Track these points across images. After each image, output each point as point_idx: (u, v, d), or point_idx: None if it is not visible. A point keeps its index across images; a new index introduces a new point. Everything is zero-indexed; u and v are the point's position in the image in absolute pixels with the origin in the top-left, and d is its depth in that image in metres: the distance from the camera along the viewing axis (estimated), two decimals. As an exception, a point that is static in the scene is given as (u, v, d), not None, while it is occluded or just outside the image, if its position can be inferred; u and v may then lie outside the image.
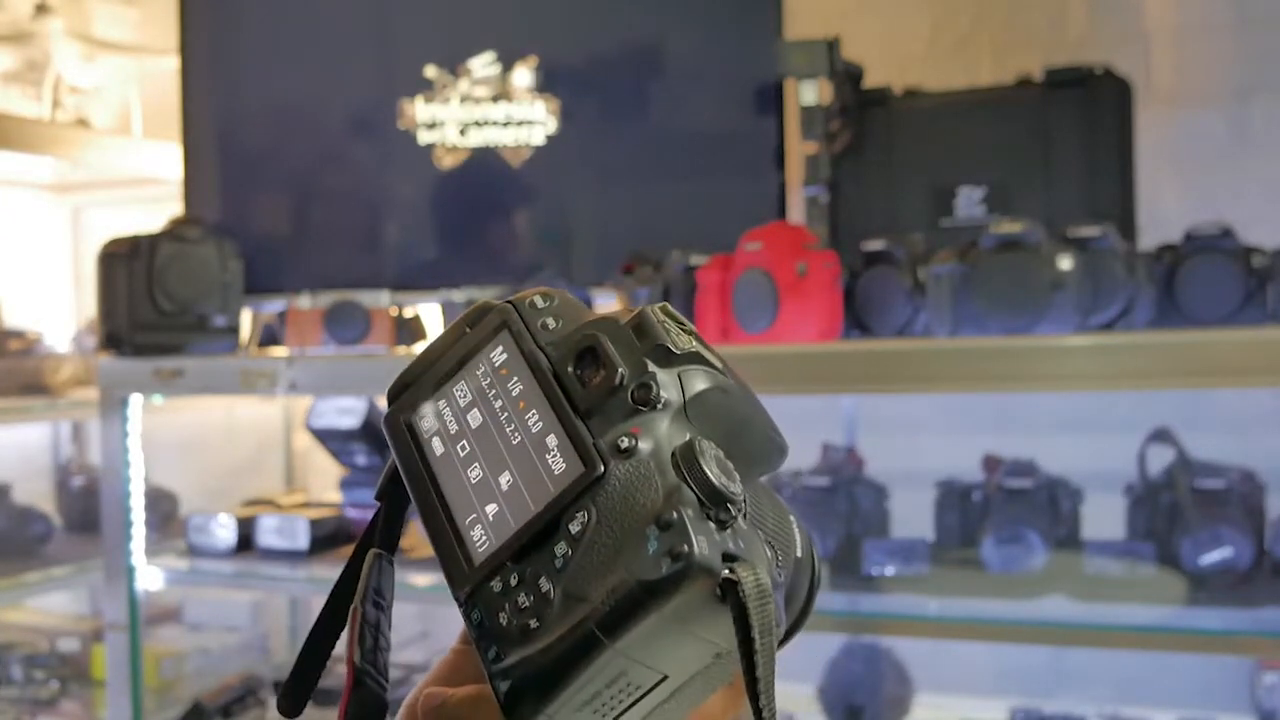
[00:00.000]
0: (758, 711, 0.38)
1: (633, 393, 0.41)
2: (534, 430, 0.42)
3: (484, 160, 2.11)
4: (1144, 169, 1.82)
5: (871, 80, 1.88)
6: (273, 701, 2.37)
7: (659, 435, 0.40)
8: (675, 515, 0.38)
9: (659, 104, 2.09)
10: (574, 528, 0.39)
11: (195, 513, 2.09)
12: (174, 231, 1.93)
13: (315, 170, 2.20)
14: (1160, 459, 1.70)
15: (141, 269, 1.88)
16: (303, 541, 1.99)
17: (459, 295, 1.99)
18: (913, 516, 1.83)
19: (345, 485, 2.15)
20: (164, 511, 2.44)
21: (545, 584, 0.38)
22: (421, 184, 2.13)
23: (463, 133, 2.10)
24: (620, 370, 0.41)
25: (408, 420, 0.45)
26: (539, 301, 0.46)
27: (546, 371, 0.43)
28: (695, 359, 0.43)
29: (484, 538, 0.40)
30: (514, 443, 0.42)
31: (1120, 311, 1.50)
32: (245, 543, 2.03)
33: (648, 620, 0.37)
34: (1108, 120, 1.75)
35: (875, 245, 1.62)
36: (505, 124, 2.10)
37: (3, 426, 2.71)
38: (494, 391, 0.44)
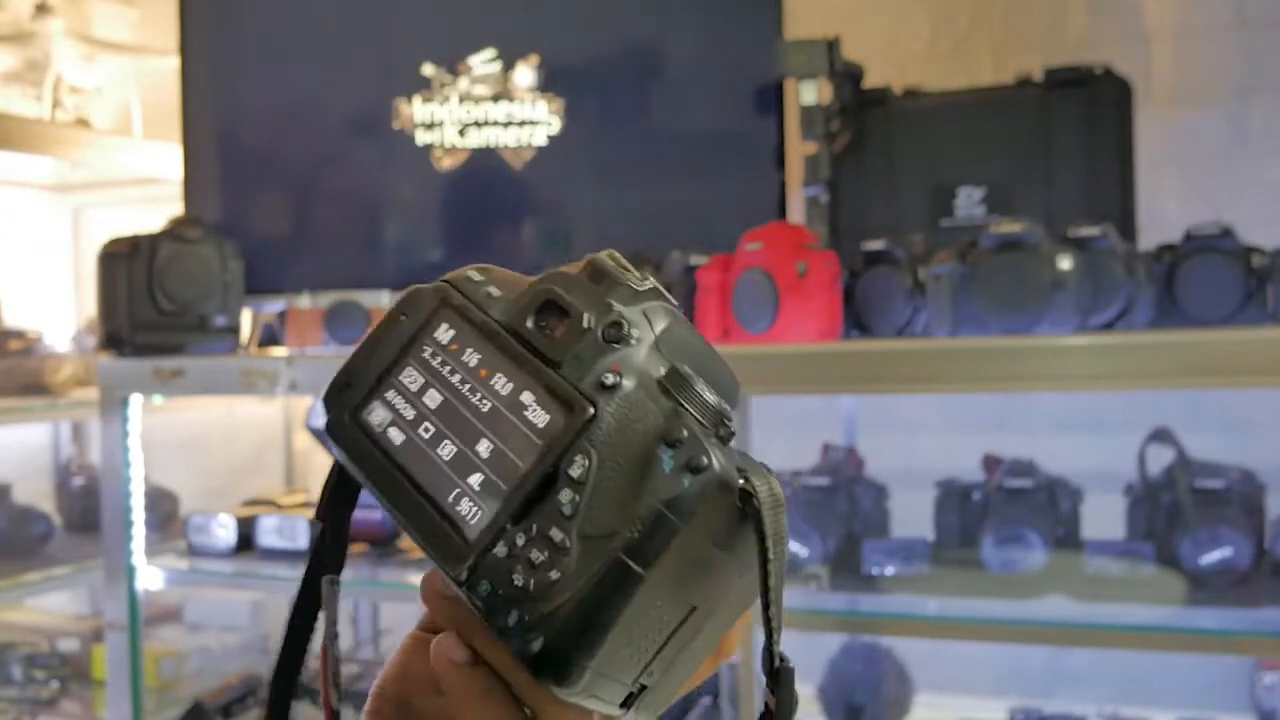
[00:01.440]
0: (767, 620, 0.39)
1: (603, 332, 0.40)
2: (504, 393, 0.41)
3: (484, 160, 2.11)
4: (1144, 169, 1.82)
5: (871, 80, 1.88)
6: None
7: (639, 368, 0.40)
8: (684, 433, 0.38)
9: (659, 104, 2.09)
10: (575, 472, 0.38)
11: (195, 513, 2.09)
12: (174, 231, 1.93)
13: (315, 170, 2.20)
14: (1160, 459, 1.70)
15: (141, 269, 1.88)
16: (303, 541, 1.99)
17: (459, 295, 1.99)
18: (913, 516, 1.83)
19: (345, 485, 2.15)
20: (164, 511, 2.44)
21: (557, 534, 0.38)
22: (421, 184, 2.13)
23: (462, 133, 2.10)
24: (585, 314, 0.41)
25: (356, 419, 0.43)
26: (475, 275, 0.45)
27: (503, 334, 0.42)
28: (655, 294, 0.43)
29: (474, 509, 0.40)
30: (484, 410, 0.41)
31: (1120, 311, 1.50)
32: (245, 543, 2.03)
33: (677, 539, 0.37)
34: (1108, 120, 1.75)
35: (875, 245, 1.62)
36: (505, 124, 2.10)
37: (3, 426, 2.71)
38: (448, 368, 0.43)
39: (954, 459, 1.88)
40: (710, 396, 0.39)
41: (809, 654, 1.92)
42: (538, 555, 0.38)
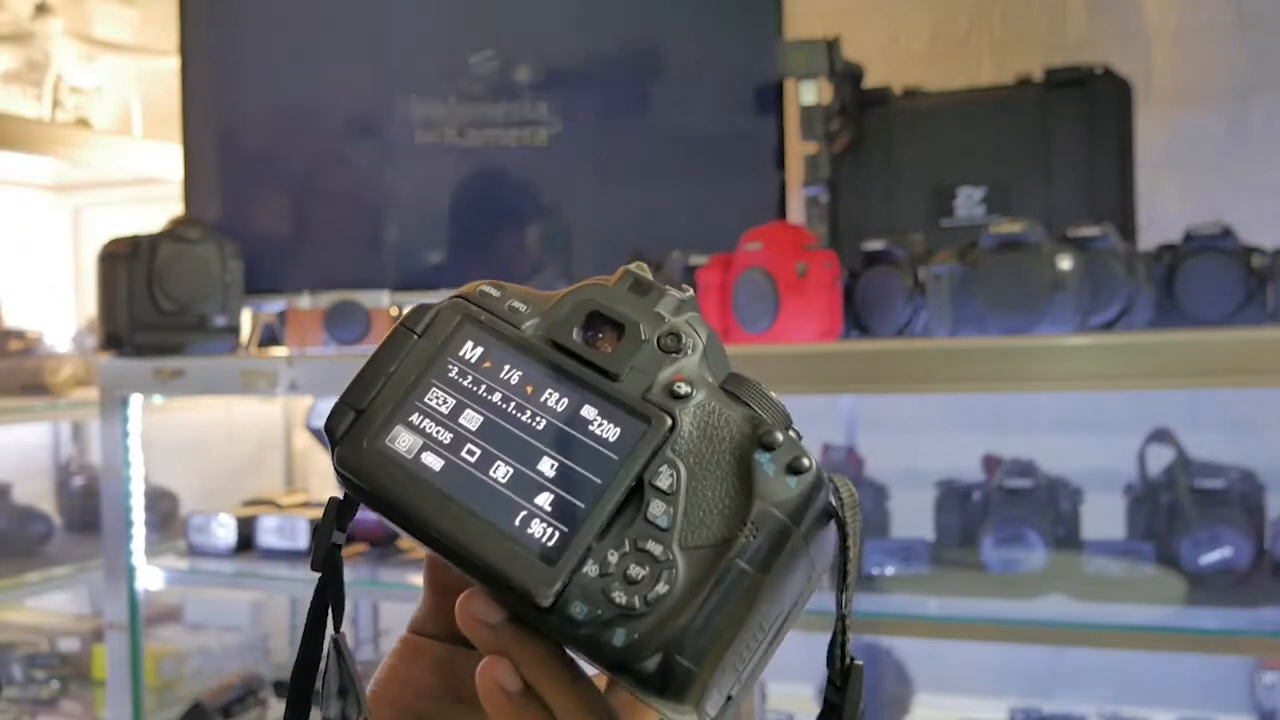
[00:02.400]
0: (841, 618, 0.40)
1: (660, 343, 0.40)
2: (560, 409, 0.40)
3: (484, 160, 2.11)
4: (1144, 169, 1.82)
5: (871, 80, 1.88)
6: (273, 701, 2.37)
7: (701, 377, 0.40)
8: (779, 435, 0.38)
9: (659, 104, 2.09)
10: (663, 483, 0.37)
11: (195, 513, 2.09)
12: (174, 231, 1.93)
13: (315, 170, 2.20)
14: (1160, 459, 1.70)
15: (141, 269, 1.88)
16: (303, 541, 1.99)
17: (459, 295, 1.99)
18: (913, 516, 1.83)
19: (345, 485, 2.15)
20: (164, 511, 2.44)
21: (656, 547, 0.37)
22: (421, 184, 2.13)
23: (462, 133, 2.10)
24: (640, 325, 0.40)
25: (377, 447, 0.40)
26: (492, 290, 0.43)
27: (546, 349, 0.41)
28: (694, 305, 0.42)
29: (549, 530, 0.38)
30: (539, 428, 0.39)
31: (1120, 311, 1.50)
32: (245, 543, 2.03)
33: (790, 540, 0.37)
34: (1108, 120, 1.75)
35: (875, 245, 1.62)
36: (505, 124, 2.10)
37: (3, 426, 2.71)
38: (483, 387, 0.41)
39: (954, 459, 1.88)
40: (771, 393, 0.40)
41: (809, 655, 1.92)
42: (637, 570, 0.36)
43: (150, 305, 1.89)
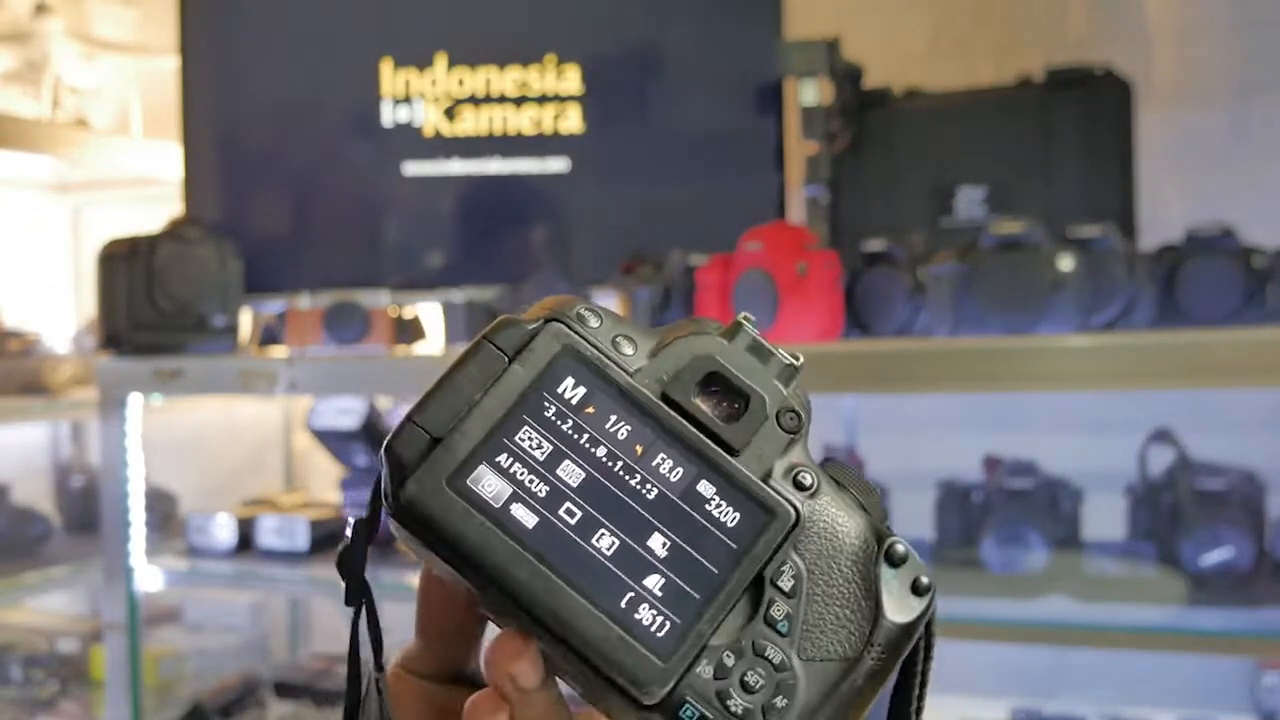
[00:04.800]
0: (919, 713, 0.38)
1: (780, 420, 0.36)
2: (673, 479, 0.35)
3: (484, 160, 2.10)
4: (1144, 169, 1.81)
5: (871, 80, 1.88)
6: (273, 702, 2.37)
7: (810, 461, 0.37)
8: (901, 548, 0.36)
9: (659, 104, 2.09)
10: (784, 583, 0.34)
11: (195, 513, 2.09)
12: (174, 231, 1.93)
13: (315, 170, 2.20)
14: (1160, 459, 1.70)
15: (141, 269, 1.88)
16: (303, 541, 1.99)
17: (459, 295, 1.99)
18: (913, 516, 1.83)
19: (345, 485, 2.15)
20: (164, 511, 2.44)
21: (775, 653, 0.34)
22: (421, 184, 2.13)
23: (461, 133, 2.10)
24: (765, 397, 0.36)
25: (458, 486, 0.34)
26: (591, 317, 0.37)
27: (658, 405, 0.36)
28: (801, 369, 0.39)
29: (659, 619, 0.33)
30: (650, 498, 0.35)
31: (1120, 311, 1.50)
32: (245, 543, 2.03)
33: (900, 659, 0.36)
34: (1108, 120, 1.75)
35: (875, 245, 1.62)
36: (505, 124, 2.10)
37: (2, 426, 2.71)
38: (585, 436, 0.35)
39: (954, 459, 1.88)
40: (869, 482, 0.38)
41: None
42: (755, 678, 0.34)
43: (150, 305, 1.89)
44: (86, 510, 2.54)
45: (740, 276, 1.59)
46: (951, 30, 2.23)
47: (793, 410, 0.37)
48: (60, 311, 3.01)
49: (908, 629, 0.35)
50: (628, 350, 0.37)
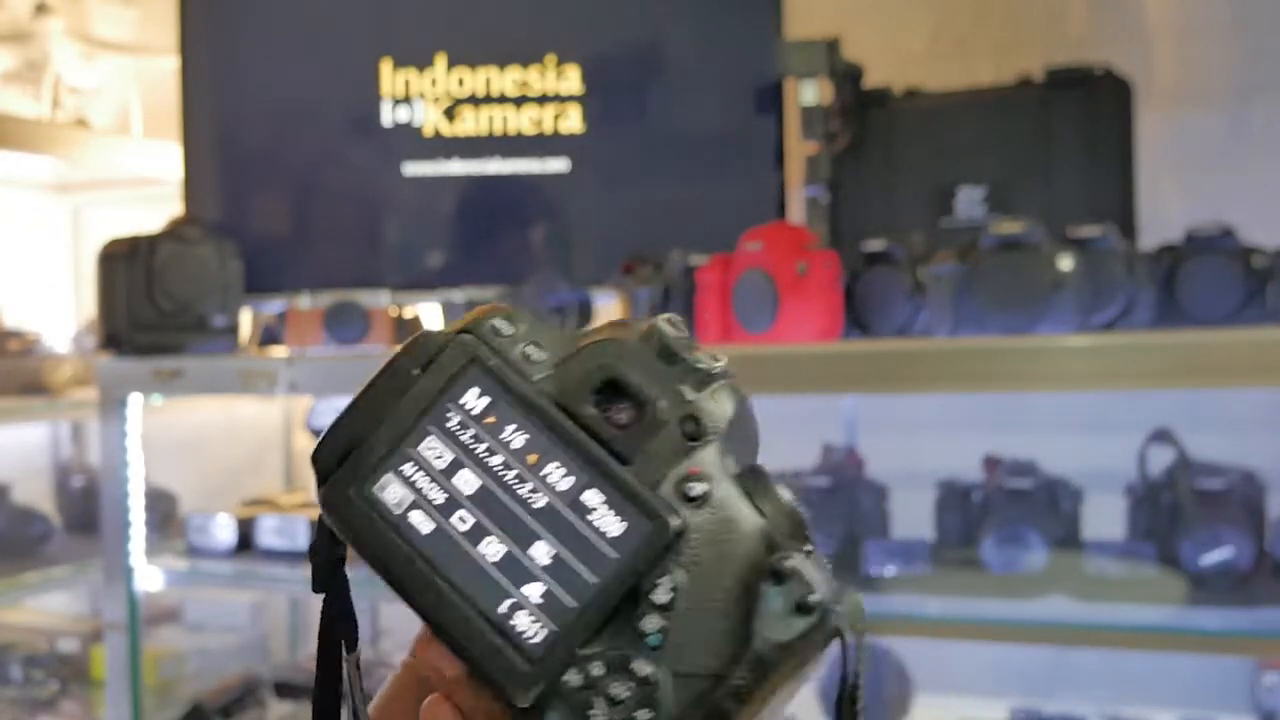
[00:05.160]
0: None
1: (681, 427, 0.36)
2: (562, 488, 0.36)
3: (484, 160, 2.11)
4: (1144, 169, 1.81)
5: (871, 80, 1.88)
6: (273, 702, 2.37)
7: (716, 470, 0.36)
8: (789, 564, 0.34)
9: (659, 104, 2.09)
10: (660, 597, 0.34)
11: (195, 513, 2.09)
12: (174, 231, 1.93)
13: (315, 170, 2.20)
14: (1160, 459, 1.70)
15: (141, 269, 1.88)
16: (303, 542, 1.99)
17: (459, 295, 1.99)
18: (913, 516, 1.83)
19: (345, 485, 2.15)
20: (164, 511, 2.44)
21: (644, 667, 0.34)
22: (421, 184, 2.13)
23: (461, 133, 2.10)
24: (660, 403, 0.36)
25: (365, 494, 0.37)
26: (504, 326, 0.38)
27: (555, 414, 0.36)
28: (725, 376, 0.37)
29: (535, 626, 0.34)
30: (537, 506, 0.35)
31: (1120, 311, 1.50)
32: (245, 543, 2.03)
33: (784, 683, 0.34)
34: (1108, 120, 1.75)
35: (875, 245, 1.62)
36: (505, 124, 2.10)
37: (2, 426, 2.71)
38: (484, 446, 0.36)
39: (954, 459, 1.88)
40: (786, 497, 0.36)
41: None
42: (620, 690, 0.33)
43: (150, 305, 1.89)
44: (86, 510, 2.54)
45: (740, 276, 1.59)
46: (951, 30, 2.23)
47: (694, 417, 0.36)
48: (60, 311, 3.01)
49: (783, 648, 0.33)
50: (537, 358, 0.37)
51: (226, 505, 2.18)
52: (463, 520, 0.36)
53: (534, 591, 0.35)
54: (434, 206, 2.14)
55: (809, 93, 1.79)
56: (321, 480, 0.38)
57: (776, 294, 1.57)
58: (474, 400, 0.37)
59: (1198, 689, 1.99)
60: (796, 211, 1.98)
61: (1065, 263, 1.43)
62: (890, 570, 1.69)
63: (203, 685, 2.37)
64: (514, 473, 0.36)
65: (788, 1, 2.02)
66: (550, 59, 2.09)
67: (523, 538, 0.35)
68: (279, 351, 2.10)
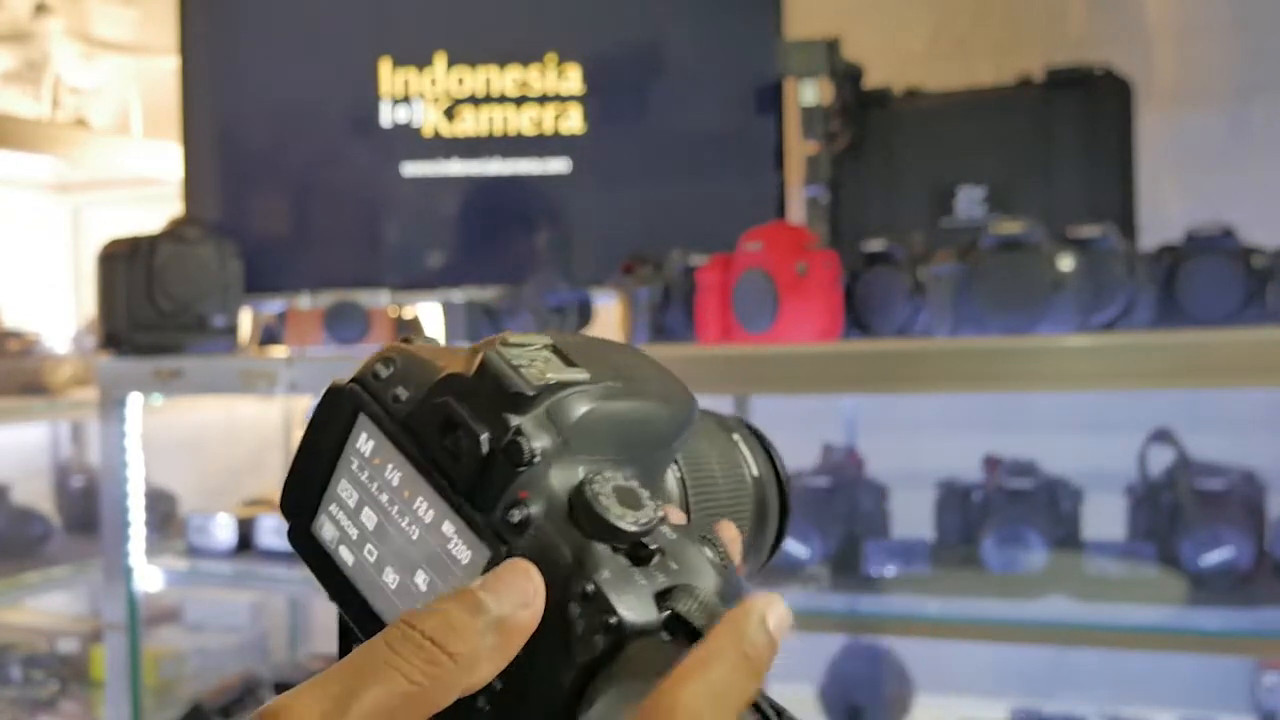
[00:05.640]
0: None
1: (505, 454, 0.37)
2: (427, 520, 0.38)
3: (484, 161, 2.11)
4: (1144, 169, 1.81)
5: (871, 80, 1.88)
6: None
7: (549, 489, 0.37)
8: (590, 586, 0.35)
9: (659, 104, 2.09)
10: None
11: (195, 513, 2.09)
12: (174, 231, 1.93)
13: (315, 170, 2.20)
14: (1160, 459, 1.70)
15: (141, 269, 1.88)
16: (302, 542, 1.99)
17: (459, 295, 1.99)
18: (913, 516, 1.83)
19: (345, 485, 2.15)
20: (164, 511, 2.44)
21: (498, 683, 0.35)
22: (421, 184, 2.13)
23: (461, 133, 2.10)
24: (481, 435, 0.37)
25: (311, 531, 0.41)
26: (381, 370, 0.40)
27: (416, 452, 0.38)
28: (555, 389, 0.38)
29: None
30: (414, 538, 0.38)
31: (1120, 311, 1.50)
32: (245, 543, 2.03)
33: (606, 697, 0.34)
34: (1108, 120, 1.75)
35: (875, 245, 1.62)
36: (505, 124, 2.10)
37: (3, 426, 2.71)
38: (376, 485, 0.39)
39: (954, 459, 1.88)
40: (618, 515, 0.36)
41: (809, 654, 1.92)
42: (484, 703, 0.35)
43: (149, 305, 1.89)
44: (86, 510, 2.54)
45: (740, 276, 1.59)
46: (951, 30, 2.23)
47: (514, 443, 0.37)
48: (60, 311, 3.01)
49: (591, 667, 0.34)
50: (404, 398, 0.40)
51: (226, 505, 2.18)
52: (370, 553, 0.39)
53: None
54: (434, 206, 2.14)
55: (809, 93, 1.79)
56: (286, 519, 0.42)
57: (776, 294, 1.57)
58: (364, 444, 0.40)
59: (1198, 689, 1.99)
60: (796, 211, 1.98)
61: (1065, 263, 1.43)
62: (890, 570, 1.69)
63: (203, 685, 2.37)
64: (396, 508, 0.39)
65: (788, 1, 2.02)
66: (551, 58, 2.09)
67: (408, 567, 0.38)
68: (279, 351, 2.10)
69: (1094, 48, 2.08)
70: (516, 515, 0.36)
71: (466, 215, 2.14)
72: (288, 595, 2.56)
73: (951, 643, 1.91)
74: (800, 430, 2.05)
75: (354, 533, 0.40)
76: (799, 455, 1.95)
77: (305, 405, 2.43)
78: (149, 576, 1.93)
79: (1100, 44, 2.10)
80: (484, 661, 0.34)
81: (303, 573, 2.06)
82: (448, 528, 0.37)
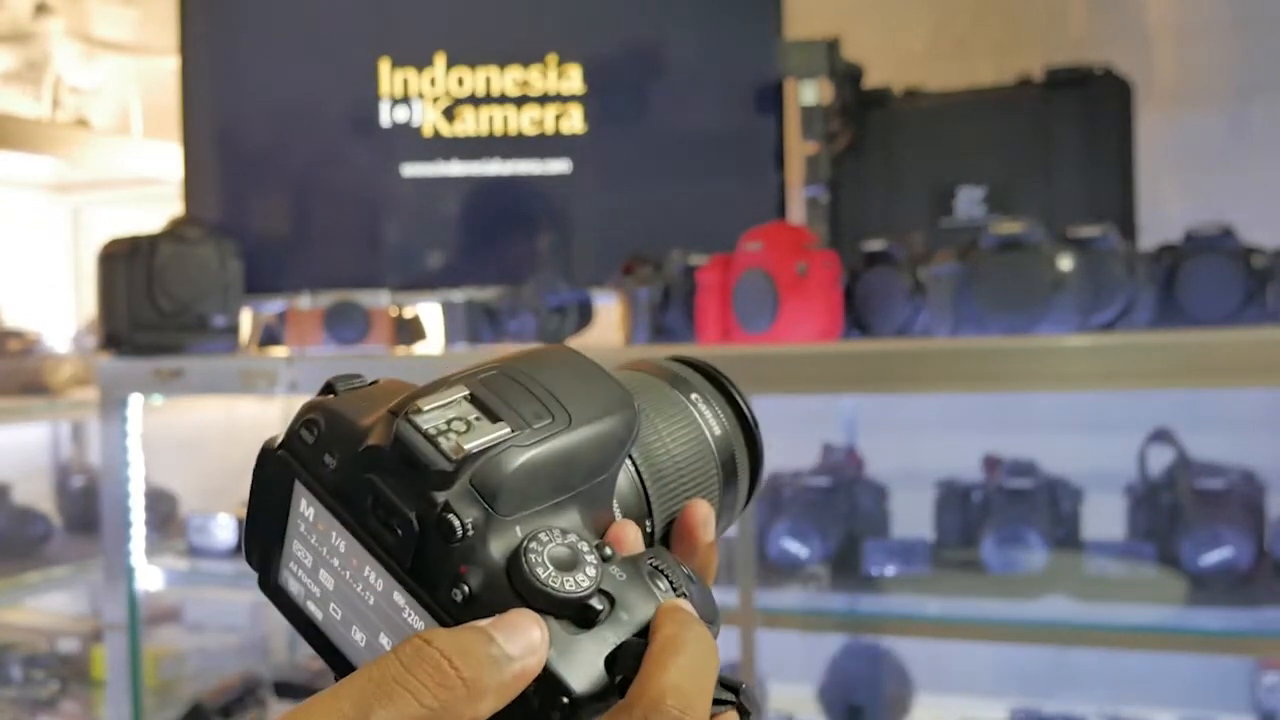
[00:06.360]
0: None
1: (439, 530, 0.36)
2: (379, 589, 0.38)
3: (484, 161, 2.11)
4: (1144, 169, 1.81)
5: (871, 80, 1.88)
6: (273, 702, 2.37)
7: (487, 559, 0.36)
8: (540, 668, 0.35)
9: (659, 104, 2.09)
10: None
11: (195, 513, 2.09)
12: (174, 231, 1.93)
13: (315, 170, 2.20)
14: (1160, 459, 1.70)
15: (141, 269, 1.88)
16: (303, 541, 1.99)
17: (459, 295, 1.99)
18: (913, 516, 1.83)
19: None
20: (164, 511, 2.44)
21: None
22: (421, 184, 2.13)
23: (461, 134, 2.10)
24: (411, 514, 0.36)
25: (279, 585, 0.41)
26: (306, 436, 0.39)
27: (355, 523, 0.38)
28: (475, 458, 0.37)
29: None
30: (370, 603, 0.38)
31: (1120, 311, 1.50)
32: (245, 543, 2.02)
33: None
34: (1108, 120, 1.75)
35: (875, 245, 1.62)
36: (505, 124, 2.10)
37: (3, 426, 2.71)
38: (324, 549, 0.39)
39: (954, 459, 1.88)
40: (558, 584, 0.35)
41: (809, 654, 1.92)
42: None
43: (150, 305, 1.89)
44: (87, 510, 2.54)
45: (740, 276, 1.59)
46: (951, 30, 2.23)
47: (444, 521, 0.36)
48: (60, 311, 3.01)
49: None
50: (332, 465, 0.38)
51: (226, 505, 2.18)
52: (335, 611, 0.39)
53: None
54: (434, 207, 2.14)
55: (809, 93, 1.79)
56: (255, 570, 0.42)
57: (776, 294, 1.57)
58: (306, 509, 0.39)
59: (1198, 689, 1.99)
60: (796, 211, 1.98)
61: (1065, 263, 1.43)
62: (890, 570, 1.69)
63: (203, 685, 2.37)
64: (348, 574, 0.38)
65: (788, 1, 2.02)
66: (551, 59, 2.09)
67: (371, 629, 0.38)
68: (279, 351, 2.10)
69: (1094, 48, 2.08)
70: (459, 595, 0.36)
71: (467, 215, 2.14)
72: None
73: (951, 643, 1.91)
74: (800, 430, 2.05)
75: (316, 591, 0.39)
76: (799, 455, 1.95)
77: (305, 405, 2.43)
78: (149, 576, 1.93)
79: (1100, 44, 2.10)
80: (490, 695, 0.34)
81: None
82: (399, 598, 0.37)
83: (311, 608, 0.40)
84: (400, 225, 2.17)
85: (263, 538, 0.41)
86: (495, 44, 2.10)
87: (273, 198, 2.22)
